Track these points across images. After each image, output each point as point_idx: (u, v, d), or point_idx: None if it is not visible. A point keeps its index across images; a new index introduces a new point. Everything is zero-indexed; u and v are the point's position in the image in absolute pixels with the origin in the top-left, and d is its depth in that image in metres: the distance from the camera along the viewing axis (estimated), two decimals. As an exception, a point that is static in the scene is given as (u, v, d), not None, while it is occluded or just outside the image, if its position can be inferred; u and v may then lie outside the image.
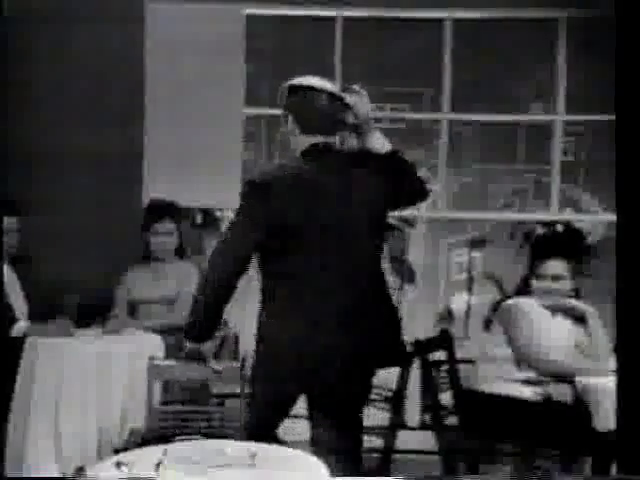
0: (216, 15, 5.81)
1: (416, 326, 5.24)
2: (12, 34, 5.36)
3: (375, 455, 4.33)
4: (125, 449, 2.95)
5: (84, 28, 5.60)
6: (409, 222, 5.87)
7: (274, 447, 2.58)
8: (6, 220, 4.77)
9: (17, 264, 4.88)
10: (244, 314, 4.86)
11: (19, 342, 4.27)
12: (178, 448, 2.57)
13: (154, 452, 2.51)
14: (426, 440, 4.51)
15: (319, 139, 3.32)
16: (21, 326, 4.56)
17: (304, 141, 3.34)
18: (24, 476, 3.87)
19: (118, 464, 2.39)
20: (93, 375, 4.05)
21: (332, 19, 6.30)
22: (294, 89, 3.37)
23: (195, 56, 5.76)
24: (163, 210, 5.00)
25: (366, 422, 3.28)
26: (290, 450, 2.56)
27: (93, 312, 4.67)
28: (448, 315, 5.52)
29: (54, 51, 5.60)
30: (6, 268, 4.84)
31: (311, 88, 3.34)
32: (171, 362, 3.75)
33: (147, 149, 5.71)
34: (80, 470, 2.81)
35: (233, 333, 5.30)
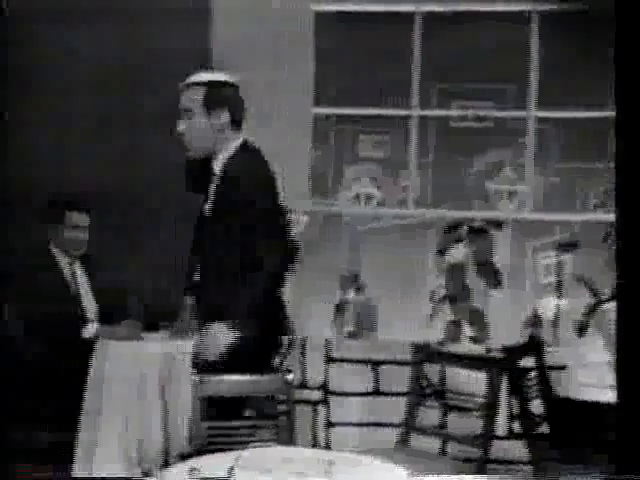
0: (284, 13, 5.73)
1: (503, 331, 5.06)
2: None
3: (470, 464, 4.15)
4: (190, 455, 2.88)
5: (147, 26, 5.56)
6: (496, 224, 5.68)
7: (350, 455, 2.45)
8: (76, 216, 4.75)
9: (86, 263, 4.86)
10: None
11: (90, 343, 4.27)
12: (250, 454, 2.49)
13: (226, 458, 2.44)
14: (514, 449, 4.33)
15: (247, 137, 3.44)
16: (92, 327, 4.55)
17: (235, 137, 3.40)
18: (93, 476, 3.83)
19: (192, 469, 2.34)
20: (160, 378, 4.05)
21: (410, 15, 6.18)
22: (216, 84, 3.40)
23: (262, 54, 5.69)
24: None
25: (460, 431, 3.12)
26: (367, 458, 2.42)
27: (159, 314, 4.63)
28: (536, 320, 5.31)
29: (120, 50, 5.57)
30: (78, 267, 4.83)
31: (233, 84, 3.46)
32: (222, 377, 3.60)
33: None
34: (146, 474, 2.74)
35: (300, 338, 5.22)
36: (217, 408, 3.23)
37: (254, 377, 3.29)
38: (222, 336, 3.28)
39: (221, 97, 3.42)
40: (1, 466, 4.12)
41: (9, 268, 4.81)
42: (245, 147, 3.44)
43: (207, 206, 3.44)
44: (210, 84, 3.39)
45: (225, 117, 3.40)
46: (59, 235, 4.80)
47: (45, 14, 5.47)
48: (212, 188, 3.44)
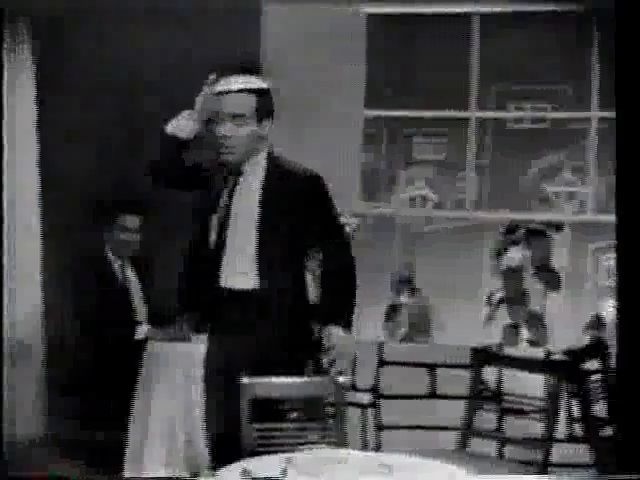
0: (336, 15, 5.69)
1: (562, 334, 4.96)
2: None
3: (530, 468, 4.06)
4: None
5: (197, 28, 5.55)
6: (555, 226, 5.58)
7: (406, 457, 2.38)
8: (128, 219, 4.78)
9: (137, 264, 4.88)
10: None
11: (141, 345, 4.31)
12: (302, 457, 2.43)
13: (278, 460, 2.43)
14: (574, 452, 4.23)
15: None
16: (143, 329, 4.57)
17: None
18: (143, 476, 3.84)
19: (244, 471, 2.32)
20: None
21: (468, 16, 6.10)
22: (266, 92, 3.35)
23: (313, 56, 5.66)
24: None
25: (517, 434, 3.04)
26: (425, 460, 2.35)
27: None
28: (598, 322, 5.18)
29: (164, 50, 5.56)
30: (129, 269, 4.85)
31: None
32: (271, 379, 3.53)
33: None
34: (195, 475, 2.71)
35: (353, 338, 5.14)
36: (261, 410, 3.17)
37: (305, 379, 3.23)
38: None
39: (271, 106, 3.39)
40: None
41: (66, 269, 4.83)
42: (273, 156, 3.43)
43: (248, 207, 3.34)
44: (261, 92, 3.35)
45: (269, 126, 3.38)
46: (112, 237, 4.84)
47: (105, 14, 5.49)
48: (255, 189, 3.35)
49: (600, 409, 4.05)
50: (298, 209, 3.31)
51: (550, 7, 6.00)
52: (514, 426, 3.69)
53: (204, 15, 5.51)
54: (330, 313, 3.30)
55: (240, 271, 3.28)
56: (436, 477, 2.24)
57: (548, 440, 3.72)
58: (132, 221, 4.85)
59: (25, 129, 5.18)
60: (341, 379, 3.15)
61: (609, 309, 5.40)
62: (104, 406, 4.35)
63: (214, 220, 3.33)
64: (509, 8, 6.01)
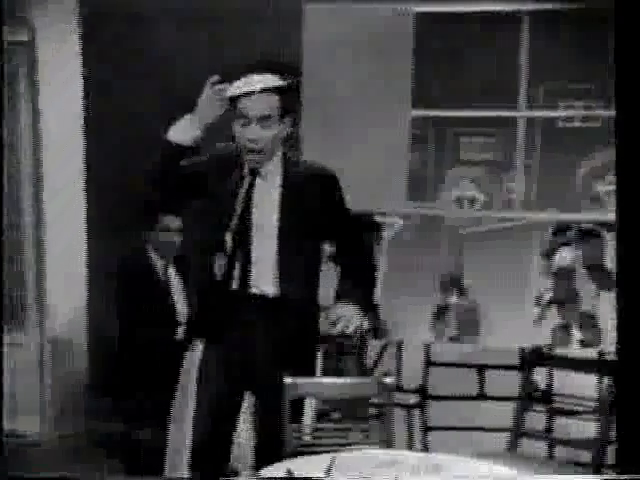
0: (383, 14, 5.64)
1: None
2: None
3: (584, 469, 3.97)
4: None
5: (238, 29, 5.53)
6: (608, 226, 5.49)
7: (457, 458, 2.32)
8: (169, 219, 4.78)
9: (179, 265, 4.88)
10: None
11: (183, 346, 4.27)
12: (346, 457, 2.39)
13: (321, 460, 2.40)
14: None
15: None
16: (183, 330, 4.57)
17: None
18: (183, 476, 3.84)
19: (288, 471, 2.31)
20: None
21: (517, 14, 6.02)
22: (287, 90, 3.23)
23: (360, 55, 5.61)
24: None
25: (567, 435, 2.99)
26: (477, 461, 2.29)
27: None
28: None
29: (211, 50, 5.55)
30: (171, 269, 4.85)
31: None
32: (314, 379, 3.48)
33: (304, 150, 5.56)
34: (236, 474, 2.68)
35: (396, 341, 5.10)
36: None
37: (351, 380, 3.19)
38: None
39: (293, 104, 3.34)
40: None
41: (110, 269, 4.86)
42: (288, 156, 3.35)
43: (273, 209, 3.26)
44: (282, 90, 3.22)
45: (290, 125, 3.27)
46: (153, 238, 4.84)
47: (131, 15, 5.51)
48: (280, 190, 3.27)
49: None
50: (316, 209, 3.25)
51: (600, 5, 5.90)
52: (565, 427, 3.60)
53: (246, 15, 5.50)
54: (346, 291, 3.28)
55: (261, 276, 3.22)
56: (487, 478, 2.17)
57: (602, 441, 3.64)
58: (174, 221, 4.84)
59: (70, 127, 5.21)
60: (387, 379, 3.10)
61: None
62: (145, 407, 4.36)
63: (231, 225, 3.23)
64: (559, 6, 5.92)
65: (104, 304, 4.87)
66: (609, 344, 4.13)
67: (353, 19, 5.70)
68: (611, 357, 3.93)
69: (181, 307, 4.83)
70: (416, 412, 4.70)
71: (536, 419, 3.91)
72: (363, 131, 5.55)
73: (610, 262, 5.25)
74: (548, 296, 5.14)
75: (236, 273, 3.21)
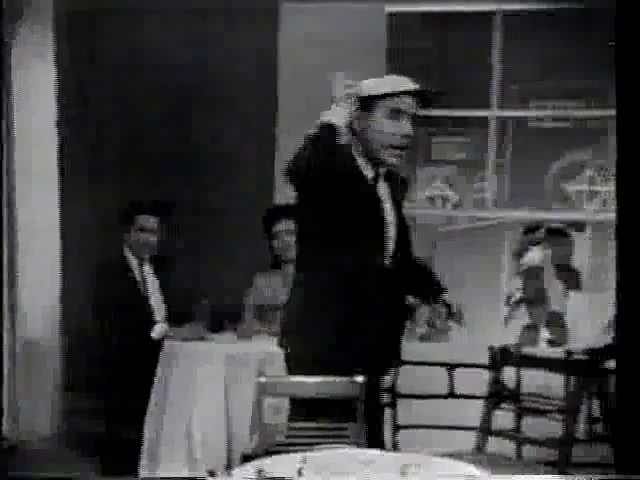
0: (356, 14, 5.67)
1: (584, 334, 4.92)
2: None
3: (550, 468, 4.03)
4: (252, 456, 2.82)
5: (213, 26, 5.55)
6: (576, 226, 5.56)
7: (424, 457, 2.35)
8: (146, 219, 4.81)
9: (156, 264, 4.91)
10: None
11: (158, 344, 4.34)
12: (319, 457, 2.40)
13: (293, 459, 2.36)
14: (594, 452, 4.18)
15: None
16: (159, 328, 4.61)
17: None
18: (159, 476, 3.82)
19: (259, 471, 2.27)
20: (225, 379, 4.06)
21: (490, 14, 6.08)
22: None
23: (333, 56, 5.64)
24: (279, 211, 4.87)
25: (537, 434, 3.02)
26: (444, 460, 2.32)
27: (225, 317, 4.63)
28: (619, 322, 5.14)
29: (187, 50, 5.57)
30: (148, 268, 4.88)
31: None
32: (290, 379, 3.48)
33: (280, 152, 5.59)
34: (211, 474, 2.70)
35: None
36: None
37: (323, 379, 3.20)
38: None
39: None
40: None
41: (85, 269, 4.88)
42: None
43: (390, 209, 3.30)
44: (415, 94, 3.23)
45: None
46: (130, 237, 4.87)
47: (110, 13, 5.50)
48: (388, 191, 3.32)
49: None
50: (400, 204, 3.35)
51: (573, 5, 5.97)
52: (533, 426, 3.65)
53: (221, 15, 5.52)
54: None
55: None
56: (455, 477, 2.21)
57: (568, 440, 3.70)
58: (150, 221, 4.87)
59: (43, 124, 5.19)
60: (357, 378, 3.13)
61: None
62: (121, 405, 4.38)
63: (389, 228, 3.26)
64: (531, 6, 5.99)
65: (79, 304, 4.89)
66: (575, 343, 4.19)
67: (328, 18, 5.73)
68: (577, 356, 4.00)
69: (159, 306, 4.87)
70: (388, 411, 4.74)
71: (505, 418, 3.96)
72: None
73: (578, 262, 5.31)
74: (518, 295, 5.18)
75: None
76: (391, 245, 3.27)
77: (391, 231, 3.27)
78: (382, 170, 3.29)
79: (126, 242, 4.90)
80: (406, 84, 3.20)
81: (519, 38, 6.17)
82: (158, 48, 5.44)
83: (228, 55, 5.58)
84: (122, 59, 5.58)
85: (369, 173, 3.26)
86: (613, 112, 5.89)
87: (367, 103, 3.20)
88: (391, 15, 5.95)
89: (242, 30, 5.55)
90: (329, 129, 3.13)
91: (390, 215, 3.28)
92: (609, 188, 6.12)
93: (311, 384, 3.20)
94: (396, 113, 3.17)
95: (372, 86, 3.22)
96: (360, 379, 3.09)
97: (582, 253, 5.75)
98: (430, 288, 3.55)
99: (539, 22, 6.13)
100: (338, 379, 3.15)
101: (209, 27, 5.56)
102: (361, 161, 3.26)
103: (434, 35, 6.39)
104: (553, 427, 3.98)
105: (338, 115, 3.16)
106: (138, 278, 4.88)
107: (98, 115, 5.54)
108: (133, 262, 4.90)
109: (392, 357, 3.48)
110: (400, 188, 3.38)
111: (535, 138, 6.43)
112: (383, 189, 3.30)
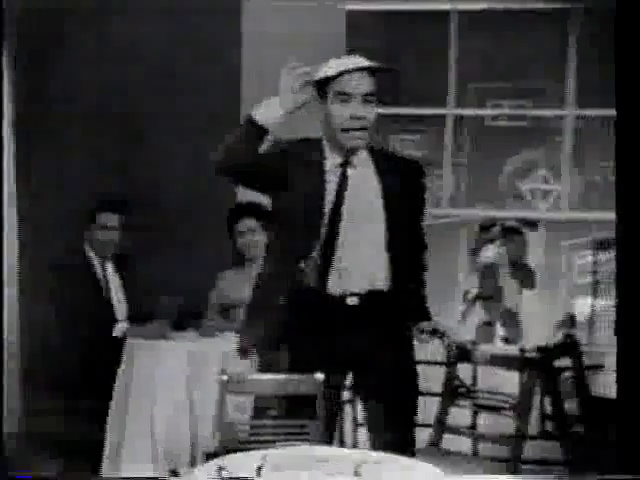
0: (316, 11, 5.69)
1: (537, 332, 5.00)
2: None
3: (502, 465, 4.09)
4: (215, 454, 2.84)
5: (176, 26, 5.55)
6: (530, 224, 5.62)
7: (383, 455, 2.39)
8: (107, 217, 4.80)
9: (119, 263, 4.90)
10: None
11: (119, 342, 4.32)
12: (279, 454, 2.42)
13: (254, 457, 2.37)
14: (547, 449, 4.27)
15: None
16: (121, 327, 4.59)
17: None
18: (121, 476, 3.82)
19: (219, 468, 2.27)
20: (187, 378, 4.05)
21: (446, 13, 6.13)
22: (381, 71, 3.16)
23: (294, 55, 5.64)
24: (243, 209, 4.90)
25: (491, 430, 3.06)
26: (401, 458, 2.36)
27: (189, 315, 4.63)
28: (571, 320, 5.23)
29: (151, 50, 5.57)
30: (110, 266, 4.87)
31: None
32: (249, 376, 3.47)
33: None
34: (173, 473, 2.71)
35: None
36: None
37: (284, 376, 3.24)
38: None
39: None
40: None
41: (46, 268, 4.84)
42: (372, 144, 3.27)
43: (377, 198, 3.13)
44: (374, 70, 3.11)
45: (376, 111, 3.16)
46: (91, 235, 4.85)
47: (75, 13, 5.48)
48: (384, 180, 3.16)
49: (571, 407, 4.10)
50: (410, 200, 3.18)
51: (531, 5, 6.05)
52: (490, 423, 3.72)
53: (185, 14, 5.52)
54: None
55: (364, 273, 3.11)
56: (407, 475, 2.24)
57: (520, 437, 3.76)
58: (111, 220, 4.86)
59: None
60: (318, 375, 3.15)
61: (582, 307, 5.47)
62: (84, 404, 4.36)
63: (324, 219, 3.09)
64: (487, 5, 6.05)
65: (40, 303, 4.87)
66: (529, 341, 4.25)
67: (290, 16, 5.74)
68: (531, 354, 4.07)
69: (121, 305, 4.86)
70: (347, 409, 4.79)
71: (460, 415, 4.01)
72: (299, 129, 5.60)
73: (532, 260, 5.38)
74: (474, 292, 5.24)
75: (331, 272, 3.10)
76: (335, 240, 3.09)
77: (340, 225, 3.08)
78: (357, 156, 3.14)
79: (88, 240, 4.88)
80: (350, 63, 3.10)
81: (475, 37, 6.23)
82: (117, 49, 5.45)
83: (192, 54, 5.59)
84: (86, 58, 5.56)
85: (335, 160, 3.14)
86: (566, 112, 6.05)
87: (321, 89, 3.14)
88: (351, 13, 5.98)
89: (206, 30, 5.55)
90: (247, 123, 3.09)
91: (356, 202, 3.11)
92: (560, 187, 6.22)
93: (272, 381, 3.22)
94: (343, 95, 3.08)
95: (320, 70, 3.16)
96: (320, 377, 3.13)
97: (536, 252, 5.83)
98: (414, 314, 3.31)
99: (495, 21, 6.20)
100: (298, 376, 3.18)
101: (174, 26, 5.56)
102: (328, 149, 3.16)
103: (392, 34, 6.42)
104: (510, 424, 4.07)
105: (270, 107, 3.10)
106: (100, 276, 4.87)
107: (59, 113, 5.50)
108: (95, 260, 4.89)
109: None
110: (409, 177, 3.20)
111: (491, 137, 6.48)
112: (359, 176, 3.15)
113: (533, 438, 4.16)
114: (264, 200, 4.78)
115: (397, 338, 3.23)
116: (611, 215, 6.01)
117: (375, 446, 3.09)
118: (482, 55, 6.23)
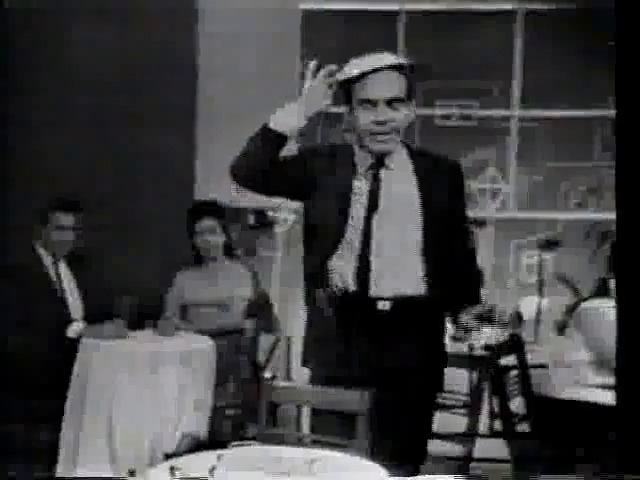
0: (271, 10, 5.72)
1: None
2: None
3: (453, 463, 4.16)
4: (174, 454, 2.86)
5: (133, 27, 5.56)
6: (479, 223, 5.71)
7: (334, 453, 2.45)
8: (61, 217, 4.77)
9: (73, 263, 4.88)
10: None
11: (74, 343, 4.30)
12: (233, 454, 2.45)
13: (208, 458, 2.41)
14: (495, 447, 4.35)
15: None
16: (76, 327, 4.57)
17: None
18: (77, 476, 3.82)
19: (172, 468, 2.30)
20: (145, 377, 4.03)
21: (395, 13, 6.19)
22: (412, 69, 3.05)
23: (250, 54, 5.68)
24: (203, 209, 4.92)
25: (442, 429, 3.09)
26: (351, 457, 2.42)
27: (145, 314, 4.63)
28: (517, 319, 5.32)
29: (114, 50, 5.57)
30: (63, 266, 4.85)
31: None
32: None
33: (200, 149, 5.63)
34: (132, 474, 2.73)
35: (286, 337, 5.22)
36: None
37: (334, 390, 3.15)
38: None
39: (414, 86, 3.03)
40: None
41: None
42: (408, 143, 3.15)
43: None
44: (405, 69, 2.97)
45: (414, 110, 3.03)
46: (43, 235, 4.82)
47: (45, 13, 5.46)
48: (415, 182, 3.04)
49: (517, 405, 4.18)
50: (449, 201, 3.06)
51: (477, 6, 6.14)
52: (440, 421, 3.80)
53: (140, 14, 5.52)
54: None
55: (399, 278, 2.99)
56: (356, 475, 2.30)
57: (471, 435, 3.82)
58: (67, 219, 4.82)
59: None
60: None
61: (528, 306, 5.56)
62: (38, 406, 4.33)
63: (355, 222, 2.99)
64: (435, 6, 6.12)
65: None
66: (477, 340, 4.29)
67: (245, 16, 5.76)
68: (479, 352, 4.14)
69: (76, 305, 4.83)
70: (306, 409, 4.82)
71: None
72: (255, 127, 5.62)
73: (480, 259, 5.45)
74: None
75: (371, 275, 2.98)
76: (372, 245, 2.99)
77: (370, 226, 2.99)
78: (393, 157, 3.03)
79: (40, 240, 4.84)
80: (374, 63, 2.97)
81: (423, 38, 6.30)
82: (84, 49, 5.44)
83: (148, 55, 5.60)
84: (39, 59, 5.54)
85: (367, 162, 3.03)
86: (511, 112, 6.15)
87: (346, 91, 3.01)
88: (306, 12, 6.01)
89: (161, 30, 5.56)
90: (262, 131, 2.98)
91: (390, 204, 3.01)
92: (508, 187, 6.32)
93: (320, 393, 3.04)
94: (365, 100, 2.96)
95: (342, 72, 3.01)
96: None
97: (485, 250, 5.91)
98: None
99: (443, 21, 6.28)
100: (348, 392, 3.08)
101: (129, 27, 5.56)
102: (358, 151, 3.06)
103: (342, 34, 6.47)
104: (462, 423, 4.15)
105: (288, 114, 2.96)
106: (53, 277, 4.83)
107: (13, 115, 5.48)
108: (47, 260, 4.85)
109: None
110: (448, 178, 3.09)
111: (442, 137, 6.55)
112: (395, 177, 3.04)
113: (484, 436, 4.22)
114: (222, 200, 4.89)
115: (428, 348, 3.10)
116: (554, 215, 6.20)
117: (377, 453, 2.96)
118: (430, 54, 6.30)
